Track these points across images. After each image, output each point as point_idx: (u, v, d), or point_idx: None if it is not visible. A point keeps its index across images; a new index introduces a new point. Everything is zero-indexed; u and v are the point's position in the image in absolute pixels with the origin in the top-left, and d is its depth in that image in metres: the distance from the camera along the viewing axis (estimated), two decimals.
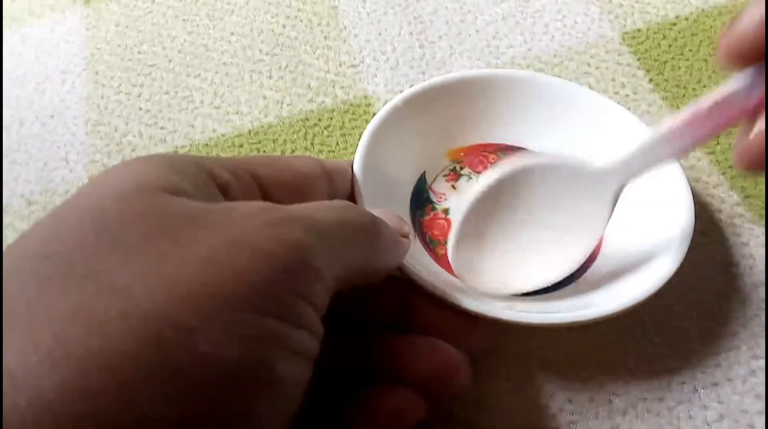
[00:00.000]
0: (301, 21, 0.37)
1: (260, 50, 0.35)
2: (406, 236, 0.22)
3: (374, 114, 0.27)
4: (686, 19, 0.34)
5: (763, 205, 0.27)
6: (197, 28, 0.37)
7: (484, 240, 0.24)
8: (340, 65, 0.34)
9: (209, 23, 0.37)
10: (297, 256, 0.15)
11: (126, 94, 0.34)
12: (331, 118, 0.32)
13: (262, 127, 0.32)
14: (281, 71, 0.34)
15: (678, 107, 0.31)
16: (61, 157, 0.32)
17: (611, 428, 0.22)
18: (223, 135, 0.32)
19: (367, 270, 0.19)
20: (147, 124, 0.33)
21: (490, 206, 0.23)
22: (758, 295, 0.25)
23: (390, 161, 0.27)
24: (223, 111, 0.33)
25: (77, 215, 0.15)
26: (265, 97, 0.33)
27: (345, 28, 0.36)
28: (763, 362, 0.24)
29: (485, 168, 0.28)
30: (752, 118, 0.19)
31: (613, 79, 0.32)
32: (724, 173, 0.29)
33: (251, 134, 0.32)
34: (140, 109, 0.34)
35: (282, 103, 0.33)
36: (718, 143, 0.29)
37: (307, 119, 0.32)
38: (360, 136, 0.26)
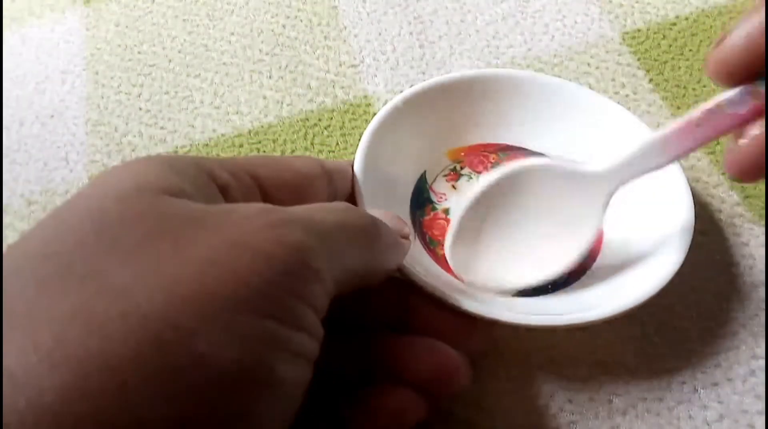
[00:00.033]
0: (301, 21, 0.37)
1: (260, 50, 0.35)
2: (406, 237, 0.22)
3: (374, 114, 0.27)
4: (686, 19, 0.34)
5: (763, 205, 0.27)
6: (197, 28, 0.37)
7: (480, 238, 0.24)
8: (340, 65, 0.34)
9: (209, 23, 0.37)
10: (297, 257, 0.15)
11: (126, 94, 0.34)
12: (331, 118, 0.32)
13: (262, 127, 0.32)
14: (281, 71, 0.34)
15: (678, 107, 0.31)
16: (61, 157, 0.32)
17: (611, 428, 0.22)
18: (223, 135, 0.32)
19: (367, 271, 0.19)
20: (147, 124, 0.33)
21: (488, 206, 0.24)
22: (758, 295, 0.25)
23: (390, 161, 0.27)
24: (223, 111, 0.33)
25: (77, 216, 0.15)
26: (265, 97, 0.33)
27: (345, 28, 0.36)
28: (763, 362, 0.24)
29: (485, 168, 0.28)
30: (741, 130, 0.20)
31: (613, 79, 0.32)
32: (724, 173, 0.28)
33: (251, 134, 0.32)
34: (140, 109, 0.34)
35: (282, 103, 0.33)
36: (718, 143, 0.29)
37: (307, 119, 0.32)
38: (360, 136, 0.26)
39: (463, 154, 0.29)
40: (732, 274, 0.26)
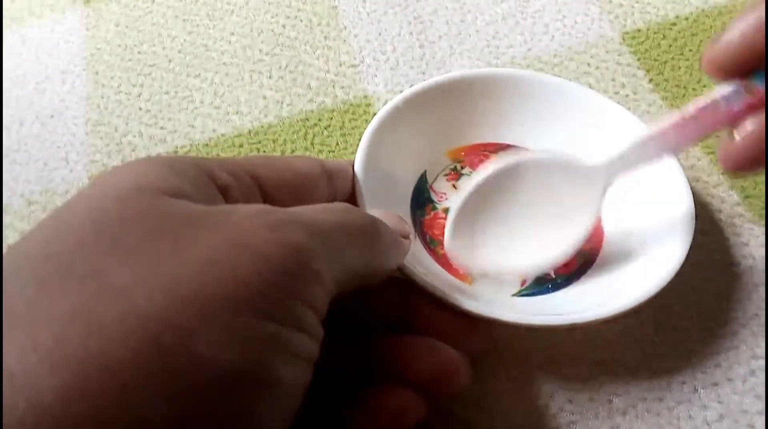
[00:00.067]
0: (301, 21, 0.37)
1: (260, 50, 0.35)
2: (406, 237, 0.22)
3: (374, 114, 0.27)
4: (686, 19, 0.34)
5: (763, 205, 0.27)
6: (197, 28, 0.37)
7: (478, 229, 0.25)
8: (340, 65, 0.34)
9: (209, 23, 0.37)
10: (297, 258, 0.15)
11: (126, 94, 0.34)
12: (331, 118, 0.32)
13: (262, 127, 0.32)
14: (281, 71, 0.34)
15: (678, 107, 0.31)
16: (61, 157, 0.32)
17: (611, 428, 0.22)
18: (223, 135, 0.32)
19: (368, 272, 0.19)
20: (147, 124, 0.33)
21: (486, 197, 0.24)
22: (758, 295, 0.25)
23: (391, 160, 0.27)
24: (223, 111, 0.33)
25: (78, 216, 0.15)
26: (265, 97, 0.33)
27: (345, 28, 0.36)
28: (763, 362, 0.24)
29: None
30: (735, 125, 0.20)
31: (613, 79, 0.32)
32: (724, 173, 0.29)
33: (251, 134, 0.32)
34: (140, 109, 0.34)
35: (282, 103, 0.33)
36: (718, 143, 0.29)
37: (307, 119, 0.32)
38: (360, 136, 0.26)
39: (463, 153, 0.29)
40: (732, 274, 0.26)
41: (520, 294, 0.25)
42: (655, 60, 0.33)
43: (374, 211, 0.22)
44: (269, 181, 0.20)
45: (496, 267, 0.24)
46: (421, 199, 0.28)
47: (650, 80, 0.32)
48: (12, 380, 0.12)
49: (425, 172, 0.28)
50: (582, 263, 0.25)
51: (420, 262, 0.24)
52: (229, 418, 0.13)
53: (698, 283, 0.25)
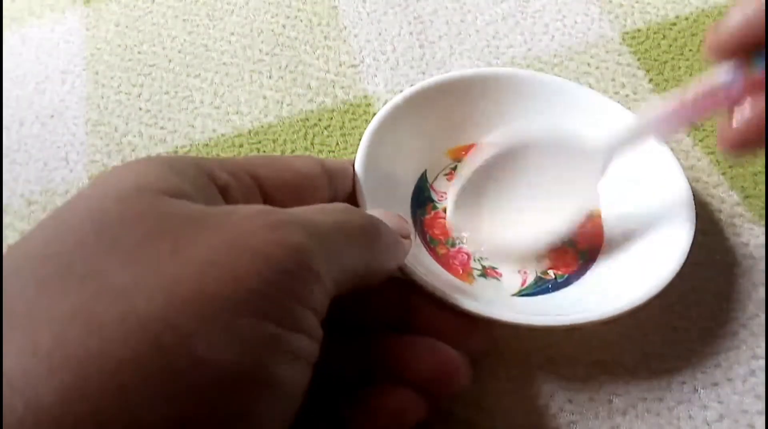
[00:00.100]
0: (301, 21, 0.37)
1: (260, 50, 0.35)
2: (407, 237, 0.22)
3: (374, 114, 0.27)
4: (686, 19, 0.34)
5: (763, 205, 0.27)
6: (197, 28, 0.37)
7: (481, 204, 0.25)
8: (340, 65, 0.34)
9: (209, 23, 0.37)
10: (296, 259, 0.15)
11: (126, 94, 0.34)
12: (331, 118, 0.32)
13: (262, 127, 0.32)
14: (281, 71, 0.34)
15: None
16: (61, 157, 0.32)
17: (611, 428, 0.22)
18: (223, 135, 0.32)
19: (368, 272, 0.19)
20: (147, 124, 0.33)
21: (488, 174, 0.25)
22: (758, 295, 0.25)
23: (391, 160, 0.27)
24: (223, 111, 0.33)
25: (78, 216, 0.15)
26: (265, 97, 0.33)
27: (345, 28, 0.36)
28: (763, 362, 0.24)
29: None
30: (732, 106, 0.21)
31: (613, 79, 0.32)
32: (724, 173, 0.29)
33: (251, 134, 0.32)
34: (140, 109, 0.34)
35: (282, 103, 0.33)
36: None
37: (307, 119, 0.32)
38: (360, 136, 0.26)
39: (463, 152, 0.29)
40: (732, 274, 0.26)
41: (520, 294, 0.25)
42: (655, 60, 0.33)
43: (375, 210, 0.22)
44: (269, 181, 0.20)
45: (498, 242, 0.25)
46: (422, 198, 0.28)
47: (650, 80, 0.32)
48: (11, 381, 0.12)
49: (425, 171, 0.28)
50: (582, 263, 0.25)
51: (420, 262, 0.24)
52: (228, 418, 0.13)
53: (698, 283, 0.25)
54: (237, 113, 0.33)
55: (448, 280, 0.25)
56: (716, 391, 0.23)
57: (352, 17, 0.36)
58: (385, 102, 0.30)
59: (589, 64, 0.33)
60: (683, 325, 0.25)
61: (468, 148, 0.29)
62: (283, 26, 0.36)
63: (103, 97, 0.34)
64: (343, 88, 0.33)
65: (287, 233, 0.15)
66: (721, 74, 0.21)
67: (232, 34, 0.36)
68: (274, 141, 0.32)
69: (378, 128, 0.26)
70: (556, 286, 0.25)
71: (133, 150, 0.32)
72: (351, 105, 0.32)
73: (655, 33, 0.34)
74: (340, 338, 0.20)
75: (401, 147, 0.27)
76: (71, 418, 0.12)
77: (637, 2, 0.35)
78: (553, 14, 0.35)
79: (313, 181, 0.22)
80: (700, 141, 0.30)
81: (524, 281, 0.25)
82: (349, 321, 0.21)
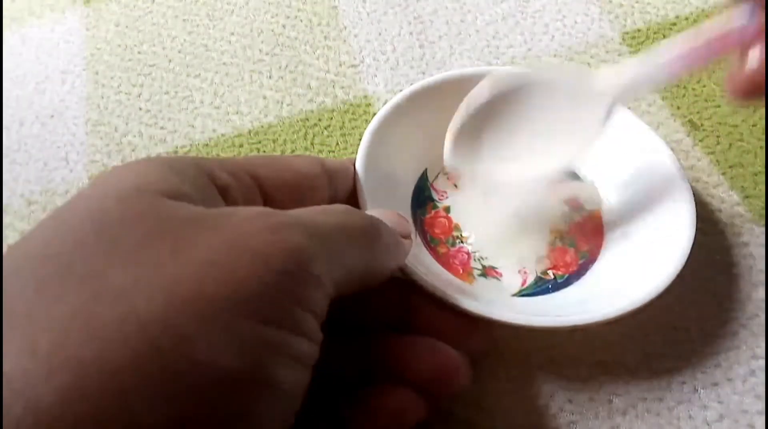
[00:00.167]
0: (301, 21, 0.37)
1: (260, 50, 0.35)
2: (407, 237, 0.22)
3: (374, 114, 0.27)
4: (686, 19, 0.34)
5: (763, 205, 0.27)
6: (197, 28, 0.37)
7: (482, 141, 0.25)
8: (340, 65, 0.34)
9: (209, 23, 0.37)
10: (297, 261, 0.15)
11: (126, 94, 0.34)
12: (331, 118, 0.32)
13: (262, 127, 0.32)
14: (281, 71, 0.34)
15: (678, 107, 0.31)
16: (61, 157, 0.32)
17: (611, 428, 0.22)
18: (223, 135, 0.32)
19: (368, 273, 0.19)
20: (147, 124, 0.33)
21: (490, 113, 0.24)
22: (758, 295, 0.25)
23: (391, 159, 0.27)
24: (223, 111, 0.33)
25: (78, 216, 0.15)
26: (265, 97, 0.33)
27: (345, 28, 0.36)
28: (763, 362, 0.24)
29: None
30: (746, 49, 0.20)
31: None
32: (724, 173, 0.29)
33: (251, 134, 0.32)
34: (140, 109, 0.34)
35: (282, 103, 0.33)
36: (718, 143, 0.29)
37: (307, 119, 0.32)
38: (360, 136, 0.26)
39: None
40: (732, 274, 0.26)
41: (520, 294, 0.25)
42: None
43: (375, 210, 0.22)
44: (269, 181, 0.20)
45: (497, 179, 0.25)
46: (422, 197, 0.28)
47: None
48: (11, 382, 0.12)
49: (426, 170, 0.28)
50: (582, 264, 0.25)
51: (420, 262, 0.24)
52: (228, 418, 0.13)
53: (698, 283, 0.25)
54: (237, 113, 0.33)
55: (449, 280, 0.25)
56: (716, 391, 0.23)
57: (352, 17, 0.36)
58: (385, 102, 0.30)
59: (589, 64, 0.33)
60: (683, 325, 0.25)
61: None
62: (283, 26, 0.36)
63: (103, 97, 0.34)
64: (343, 88, 0.33)
65: (288, 235, 0.15)
66: (736, 16, 0.20)
67: (232, 34, 0.36)
68: (274, 141, 0.32)
69: (378, 128, 0.26)
70: (556, 286, 0.25)
71: (133, 150, 0.32)
72: (351, 105, 0.32)
73: (655, 33, 0.34)
74: (340, 338, 0.20)
75: (401, 146, 0.27)
76: (71, 418, 0.12)
77: (637, 2, 0.35)
78: (553, 14, 0.35)
79: (314, 181, 0.22)
80: (700, 141, 0.30)
81: (524, 281, 0.25)
82: (349, 321, 0.21)
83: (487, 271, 0.25)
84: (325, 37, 0.36)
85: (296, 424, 0.16)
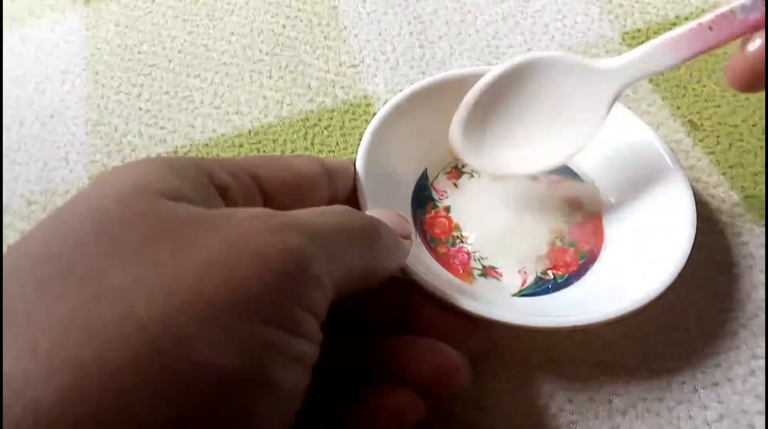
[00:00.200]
0: (301, 21, 0.37)
1: (260, 50, 0.35)
2: (407, 237, 0.22)
3: (374, 114, 0.27)
4: (686, 19, 0.34)
5: (763, 205, 0.27)
6: (197, 28, 0.37)
7: (488, 125, 0.25)
8: (340, 65, 0.34)
9: (209, 23, 0.37)
10: (296, 262, 0.15)
11: (126, 94, 0.34)
12: (331, 118, 0.32)
13: (262, 127, 0.32)
14: (281, 71, 0.34)
15: (678, 107, 0.31)
16: (61, 157, 0.32)
17: (611, 428, 0.22)
18: (223, 135, 0.32)
19: (368, 274, 0.19)
20: (147, 124, 0.33)
21: (496, 95, 0.25)
22: (758, 295, 0.25)
23: (392, 159, 0.27)
24: (223, 111, 0.33)
25: (78, 216, 0.15)
26: (265, 97, 0.33)
27: (345, 28, 0.36)
28: (763, 362, 0.24)
29: None
30: (747, 39, 0.20)
31: None
32: (724, 173, 0.29)
33: (251, 134, 0.32)
34: (140, 109, 0.34)
35: (282, 103, 0.33)
36: (718, 143, 0.29)
37: (307, 119, 0.32)
38: (360, 136, 0.26)
39: None
40: (732, 274, 0.26)
41: (520, 294, 0.25)
42: None
43: (375, 210, 0.22)
44: (269, 181, 0.20)
45: (504, 164, 0.25)
46: (422, 197, 0.28)
47: (650, 80, 0.32)
48: (11, 382, 0.12)
49: (426, 170, 0.28)
50: (582, 264, 0.25)
51: (420, 262, 0.24)
52: (228, 418, 0.13)
53: (698, 283, 0.25)
54: (237, 113, 0.33)
55: (449, 280, 0.25)
56: (716, 391, 0.23)
57: (352, 17, 0.36)
58: (385, 102, 0.30)
59: None
60: (683, 325, 0.25)
61: None
62: (283, 26, 0.36)
63: (103, 97, 0.34)
64: (343, 88, 0.33)
65: (288, 236, 0.15)
66: (739, 6, 0.21)
67: (232, 34, 0.36)
68: (274, 141, 0.32)
69: (378, 128, 0.26)
70: (556, 286, 0.25)
71: (133, 150, 0.32)
72: (351, 105, 0.32)
73: (655, 33, 0.34)
74: (340, 338, 0.20)
75: (402, 146, 0.27)
76: (71, 418, 0.12)
77: (637, 2, 0.35)
78: (553, 14, 0.35)
79: (314, 181, 0.22)
80: (700, 141, 0.30)
81: (524, 281, 0.25)
82: (349, 321, 0.21)
83: (487, 271, 0.25)
84: (325, 37, 0.36)
85: (296, 424, 0.16)
